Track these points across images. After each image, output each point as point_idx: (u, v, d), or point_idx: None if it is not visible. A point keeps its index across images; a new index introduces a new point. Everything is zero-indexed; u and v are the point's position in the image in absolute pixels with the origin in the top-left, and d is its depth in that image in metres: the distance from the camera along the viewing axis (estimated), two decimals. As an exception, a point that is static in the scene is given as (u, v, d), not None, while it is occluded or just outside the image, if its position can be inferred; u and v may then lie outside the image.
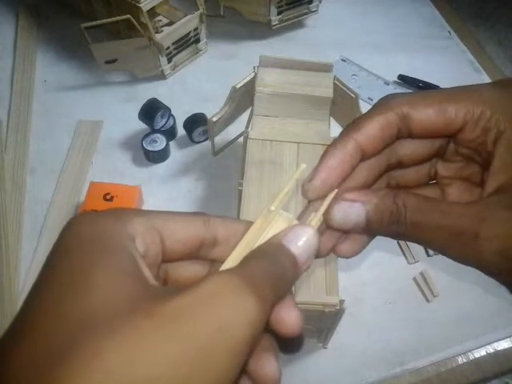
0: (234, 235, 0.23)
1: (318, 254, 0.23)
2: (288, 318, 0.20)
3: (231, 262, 0.22)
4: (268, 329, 0.21)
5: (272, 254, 0.21)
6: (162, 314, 0.16)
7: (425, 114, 0.24)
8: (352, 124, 0.25)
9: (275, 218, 0.23)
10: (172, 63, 0.65)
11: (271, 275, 0.19)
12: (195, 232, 0.22)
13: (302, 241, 0.21)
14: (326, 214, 0.24)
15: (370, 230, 0.24)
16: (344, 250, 0.26)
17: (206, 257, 0.23)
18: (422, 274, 0.50)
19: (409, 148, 0.26)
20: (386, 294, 0.49)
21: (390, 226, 0.23)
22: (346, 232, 0.25)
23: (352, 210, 0.24)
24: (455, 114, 0.24)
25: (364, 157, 0.25)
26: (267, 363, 0.21)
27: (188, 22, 0.63)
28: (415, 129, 0.24)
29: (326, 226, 0.24)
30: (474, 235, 0.21)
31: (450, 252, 0.22)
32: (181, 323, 0.16)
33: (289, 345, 0.22)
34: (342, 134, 0.25)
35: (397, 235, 0.23)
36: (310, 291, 0.38)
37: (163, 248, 0.21)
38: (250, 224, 0.23)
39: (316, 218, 0.24)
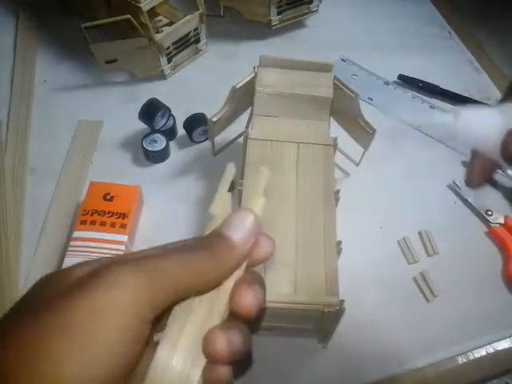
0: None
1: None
2: (244, 299, 0.22)
3: None
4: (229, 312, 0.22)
5: (200, 241, 0.23)
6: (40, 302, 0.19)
7: None
8: None
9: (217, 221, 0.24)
10: (172, 63, 0.65)
11: (181, 256, 0.21)
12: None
13: (237, 222, 0.23)
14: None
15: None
16: None
17: None
18: (422, 274, 0.50)
19: None
20: (386, 294, 0.49)
21: None
22: None
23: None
24: None
25: None
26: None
27: (188, 22, 0.63)
28: None
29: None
30: None
31: None
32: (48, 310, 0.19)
33: (237, 366, 0.23)
34: None
35: None
36: (310, 291, 0.38)
37: None
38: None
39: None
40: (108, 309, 0.18)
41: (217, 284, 0.22)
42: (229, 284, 0.22)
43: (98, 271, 0.20)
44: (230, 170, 0.26)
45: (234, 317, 0.23)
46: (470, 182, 0.34)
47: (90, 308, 0.18)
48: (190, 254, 0.21)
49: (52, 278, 0.21)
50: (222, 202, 0.25)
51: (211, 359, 0.21)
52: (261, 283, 0.23)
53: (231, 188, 0.26)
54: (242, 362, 0.23)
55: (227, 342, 0.21)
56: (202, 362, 0.21)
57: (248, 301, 0.22)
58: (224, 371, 0.22)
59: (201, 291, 0.22)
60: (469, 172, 0.34)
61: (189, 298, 0.22)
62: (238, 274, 0.23)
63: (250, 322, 0.23)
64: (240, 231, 0.23)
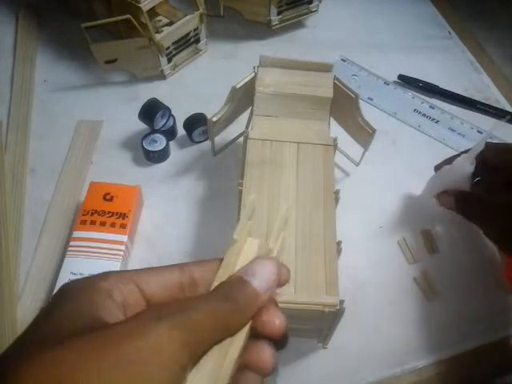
0: (210, 273, 0.25)
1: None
2: (272, 323, 0.23)
3: None
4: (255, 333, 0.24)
5: (226, 290, 0.23)
6: (81, 341, 0.19)
7: None
8: None
9: (243, 247, 0.25)
10: (172, 63, 0.65)
11: (206, 307, 0.22)
12: (170, 278, 0.24)
13: (262, 272, 0.24)
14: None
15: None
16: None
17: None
18: (422, 274, 0.50)
19: None
20: (386, 294, 0.49)
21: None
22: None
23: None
24: None
25: None
26: (262, 353, 0.24)
27: (188, 22, 0.63)
28: None
29: None
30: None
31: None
32: (84, 351, 0.19)
33: (275, 343, 0.24)
34: None
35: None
36: (310, 291, 0.38)
37: (143, 295, 0.24)
38: (221, 260, 0.25)
39: (277, 241, 0.26)
40: (149, 369, 0.19)
41: (237, 332, 0.23)
42: (243, 331, 0.23)
43: (134, 326, 0.20)
44: (253, 201, 0.27)
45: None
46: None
47: (130, 367, 0.19)
48: (219, 307, 0.22)
49: (81, 298, 0.22)
50: (243, 229, 0.26)
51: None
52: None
53: (251, 217, 0.27)
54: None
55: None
56: None
57: (278, 323, 0.24)
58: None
59: (222, 339, 0.23)
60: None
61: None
62: (248, 328, 0.24)
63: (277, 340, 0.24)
64: (264, 281, 0.24)
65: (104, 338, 0.19)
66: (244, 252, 0.26)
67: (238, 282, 0.23)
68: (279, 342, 0.24)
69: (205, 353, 0.22)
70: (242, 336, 0.23)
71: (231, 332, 0.23)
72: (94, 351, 0.19)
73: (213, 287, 0.24)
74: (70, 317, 0.21)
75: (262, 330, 0.24)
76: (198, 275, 0.25)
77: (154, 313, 0.21)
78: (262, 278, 0.23)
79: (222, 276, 0.25)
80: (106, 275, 0.23)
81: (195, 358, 0.21)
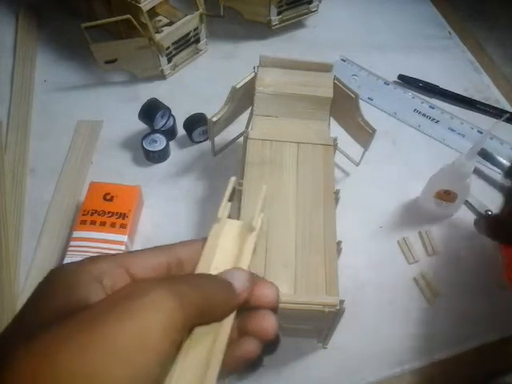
0: (195, 254, 0.26)
1: None
2: (265, 324, 0.25)
3: None
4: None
5: (204, 275, 0.24)
6: (71, 321, 0.19)
7: None
8: None
9: (224, 227, 0.27)
10: (172, 63, 0.65)
11: (199, 282, 0.23)
12: (158, 259, 0.25)
13: (237, 272, 0.25)
14: None
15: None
16: None
17: None
18: (421, 273, 0.50)
19: None
20: (386, 294, 0.49)
21: None
22: None
23: None
24: None
25: None
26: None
27: (188, 22, 0.63)
28: None
29: None
30: None
31: None
32: (85, 327, 0.19)
33: (266, 346, 0.25)
34: None
35: None
36: (310, 291, 0.38)
37: (132, 277, 0.24)
38: (205, 240, 0.26)
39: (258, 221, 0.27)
40: (147, 333, 0.19)
41: (222, 318, 0.23)
42: (228, 323, 0.24)
43: (132, 291, 0.20)
44: (233, 182, 0.28)
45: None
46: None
47: (129, 331, 0.18)
48: (210, 285, 0.23)
49: (70, 281, 0.22)
50: (225, 209, 0.28)
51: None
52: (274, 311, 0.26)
53: (231, 198, 0.28)
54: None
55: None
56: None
57: (269, 323, 0.25)
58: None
59: (210, 321, 0.23)
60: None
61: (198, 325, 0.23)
62: (232, 320, 0.24)
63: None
64: (240, 281, 0.24)
65: (90, 318, 0.19)
66: (225, 232, 0.27)
67: (220, 277, 0.24)
68: (270, 345, 0.25)
69: (190, 331, 0.22)
70: (229, 322, 0.23)
71: (216, 315, 0.23)
72: (79, 333, 0.18)
73: (198, 267, 0.25)
74: (57, 301, 0.21)
75: (256, 304, 0.25)
76: (183, 256, 0.25)
77: (144, 284, 0.21)
78: (237, 278, 0.24)
79: (207, 255, 0.26)
80: (95, 260, 0.23)
81: (183, 334, 0.21)
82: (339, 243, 0.42)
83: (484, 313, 0.48)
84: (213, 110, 0.50)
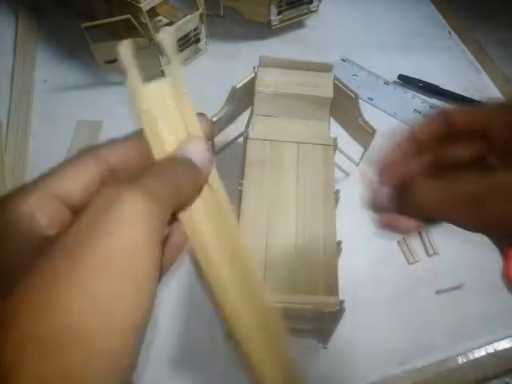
0: (127, 157, 0.23)
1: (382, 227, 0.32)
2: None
3: None
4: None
5: (166, 163, 0.22)
6: (51, 254, 0.17)
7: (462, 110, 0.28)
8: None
9: (151, 97, 0.24)
10: (172, 63, 0.65)
11: (165, 174, 0.21)
12: (89, 175, 0.22)
13: (194, 147, 0.23)
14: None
15: (393, 207, 0.30)
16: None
17: None
18: (421, 273, 0.50)
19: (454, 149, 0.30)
20: (386, 294, 0.49)
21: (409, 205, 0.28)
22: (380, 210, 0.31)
23: (380, 191, 0.31)
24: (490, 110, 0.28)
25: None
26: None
27: (188, 22, 0.63)
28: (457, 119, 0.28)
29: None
30: (482, 201, 0.25)
31: (461, 221, 0.27)
32: (74, 254, 0.17)
33: None
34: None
35: (417, 212, 0.28)
36: (310, 291, 0.38)
37: (68, 205, 0.21)
38: (137, 137, 0.24)
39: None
40: (135, 244, 0.18)
41: (194, 199, 0.23)
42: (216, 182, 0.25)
43: (105, 204, 0.18)
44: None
45: None
46: None
47: (117, 248, 0.17)
48: (176, 171, 0.22)
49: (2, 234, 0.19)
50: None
51: None
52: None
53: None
54: None
55: None
56: None
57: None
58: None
59: (184, 206, 0.23)
60: None
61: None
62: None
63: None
64: (199, 153, 0.23)
65: (68, 245, 0.17)
66: (156, 103, 0.24)
67: (172, 157, 0.23)
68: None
69: (164, 226, 0.20)
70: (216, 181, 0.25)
71: (189, 199, 0.23)
72: (60, 266, 0.17)
73: (155, 154, 0.23)
74: (9, 251, 0.19)
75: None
76: (116, 163, 0.23)
77: (114, 192, 0.19)
78: (193, 150, 0.23)
79: (154, 140, 0.24)
80: (21, 197, 0.20)
81: (164, 230, 0.20)
82: (339, 243, 0.42)
83: (484, 313, 0.48)
84: (213, 109, 0.50)
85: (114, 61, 0.62)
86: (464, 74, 0.70)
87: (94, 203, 0.18)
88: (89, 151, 0.22)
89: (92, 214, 0.18)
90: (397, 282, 0.50)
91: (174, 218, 0.22)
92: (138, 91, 0.24)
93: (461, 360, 0.46)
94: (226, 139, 0.58)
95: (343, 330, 0.42)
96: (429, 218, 0.29)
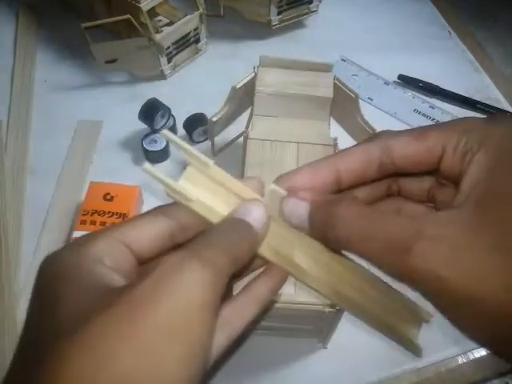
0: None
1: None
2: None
3: None
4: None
5: (224, 225, 0.23)
6: (116, 308, 0.18)
7: (404, 143, 0.24)
8: (338, 152, 0.27)
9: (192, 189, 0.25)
10: (172, 63, 0.65)
11: (221, 242, 0.22)
12: (159, 228, 0.23)
13: (252, 209, 0.24)
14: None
15: (313, 231, 0.25)
16: None
17: (182, 242, 0.24)
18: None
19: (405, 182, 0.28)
20: (386, 294, 0.49)
21: (328, 231, 0.24)
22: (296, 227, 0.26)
23: (297, 207, 0.25)
24: (435, 140, 0.24)
25: (341, 186, 0.26)
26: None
27: (188, 22, 0.63)
28: (398, 159, 0.24)
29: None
30: (407, 249, 0.21)
31: (382, 265, 0.23)
32: (137, 312, 0.18)
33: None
34: (324, 158, 0.26)
35: (336, 243, 0.24)
36: (310, 291, 0.38)
37: (135, 254, 0.22)
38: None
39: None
40: (192, 309, 0.19)
41: (250, 260, 0.24)
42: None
43: (165, 270, 0.20)
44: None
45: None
46: None
47: (174, 311, 0.19)
48: (233, 238, 0.22)
49: (73, 274, 0.20)
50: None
51: None
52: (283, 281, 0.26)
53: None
54: None
55: None
56: None
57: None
58: None
59: (240, 268, 0.23)
60: None
61: None
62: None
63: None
64: (257, 215, 0.24)
65: (128, 304, 0.18)
66: (200, 188, 0.25)
67: (229, 219, 0.24)
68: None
69: (220, 292, 0.21)
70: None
71: (245, 262, 0.23)
72: (123, 321, 0.18)
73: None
74: (78, 296, 0.20)
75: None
76: (185, 220, 0.24)
77: (175, 260, 0.20)
78: (252, 214, 0.24)
79: (208, 212, 0.24)
80: (92, 242, 0.21)
81: (220, 294, 0.20)
82: (339, 243, 0.42)
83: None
84: (213, 110, 0.50)
85: (114, 61, 0.62)
86: (464, 74, 0.70)
87: (160, 268, 0.20)
88: (161, 208, 0.24)
89: (156, 278, 0.19)
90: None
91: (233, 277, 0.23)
92: (177, 189, 0.24)
93: (461, 360, 0.46)
94: (225, 139, 0.58)
95: (343, 330, 0.42)
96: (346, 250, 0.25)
